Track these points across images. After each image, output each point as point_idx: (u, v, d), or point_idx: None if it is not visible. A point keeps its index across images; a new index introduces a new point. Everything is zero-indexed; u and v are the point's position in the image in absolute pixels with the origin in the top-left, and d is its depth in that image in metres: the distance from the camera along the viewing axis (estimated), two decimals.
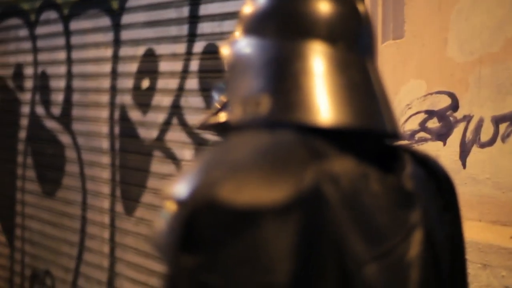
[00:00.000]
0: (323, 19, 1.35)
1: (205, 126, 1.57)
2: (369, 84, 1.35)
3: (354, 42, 1.38)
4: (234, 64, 1.43)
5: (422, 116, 2.86)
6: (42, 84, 5.90)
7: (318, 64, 1.32)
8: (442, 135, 2.79)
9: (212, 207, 1.10)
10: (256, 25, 1.40)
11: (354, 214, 1.19)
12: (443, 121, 2.79)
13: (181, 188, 1.16)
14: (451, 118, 2.76)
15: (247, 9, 1.45)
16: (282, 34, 1.35)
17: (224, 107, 1.46)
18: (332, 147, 1.23)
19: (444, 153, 2.74)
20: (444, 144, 2.78)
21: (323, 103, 1.27)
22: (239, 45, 1.43)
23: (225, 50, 1.48)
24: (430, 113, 2.83)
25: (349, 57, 1.35)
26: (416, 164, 1.45)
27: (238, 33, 1.46)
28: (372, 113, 1.33)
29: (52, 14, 5.71)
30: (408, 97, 2.88)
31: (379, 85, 1.38)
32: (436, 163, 1.52)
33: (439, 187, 1.47)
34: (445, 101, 2.77)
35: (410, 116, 2.88)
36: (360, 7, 1.42)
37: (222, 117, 1.43)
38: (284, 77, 1.32)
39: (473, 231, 2.51)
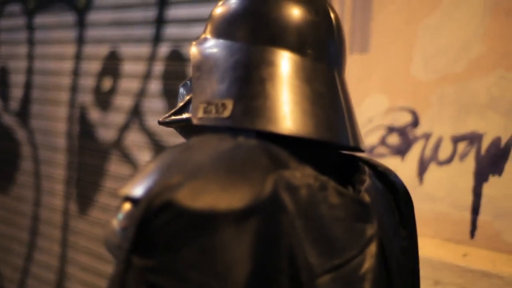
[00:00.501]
0: (293, 27, 1.35)
1: (167, 122, 1.55)
2: (335, 96, 1.35)
3: (323, 52, 1.37)
4: (201, 64, 1.42)
5: (382, 130, 2.86)
6: (2, 79, 5.84)
7: (284, 72, 1.31)
8: (401, 151, 2.81)
9: (169, 209, 1.07)
10: (226, 27, 1.40)
11: (310, 225, 1.18)
12: (403, 137, 2.80)
13: (137, 187, 1.15)
14: (411, 135, 2.77)
15: (218, 10, 1.44)
16: (252, 39, 1.35)
17: (187, 105, 1.47)
18: (292, 157, 1.22)
19: (402, 169, 2.75)
20: (403, 160, 2.79)
21: (286, 112, 1.27)
22: (207, 45, 1.42)
23: (193, 49, 1.46)
24: (391, 128, 2.84)
25: (317, 67, 1.35)
26: (375, 177, 1.45)
27: (207, 34, 1.45)
28: (335, 126, 1.33)
29: (16, 8, 5.67)
30: (370, 110, 2.89)
31: (345, 98, 1.38)
32: (395, 177, 1.53)
33: (397, 201, 1.48)
34: (406, 117, 2.78)
35: (371, 130, 2.89)
36: (333, 16, 1.42)
37: (185, 115, 1.44)
38: (249, 82, 1.31)
39: (427, 247, 2.52)
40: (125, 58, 4.55)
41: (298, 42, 1.34)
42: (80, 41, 4.96)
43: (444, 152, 2.67)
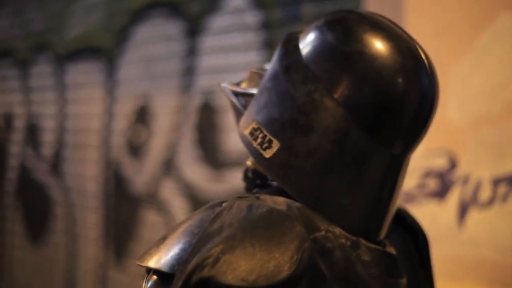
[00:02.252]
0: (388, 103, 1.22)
1: (233, 91, 1.53)
2: (391, 190, 1.27)
3: (410, 145, 1.28)
4: (278, 75, 1.30)
5: (418, 174, 2.84)
6: (33, 128, 5.88)
7: (345, 150, 1.22)
8: (438, 194, 2.78)
9: (210, 283, 1.08)
10: (321, 73, 1.24)
11: (349, 286, 1.17)
12: (440, 180, 2.78)
13: (165, 259, 1.17)
14: (448, 178, 2.75)
15: (327, 49, 1.26)
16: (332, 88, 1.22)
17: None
18: (323, 217, 1.20)
19: (440, 213, 2.72)
20: (440, 204, 2.77)
21: (326, 190, 1.22)
22: (295, 65, 1.28)
23: (285, 49, 1.33)
24: (427, 172, 2.82)
25: (399, 159, 1.26)
26: (394, 222, 1.43)
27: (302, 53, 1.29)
28: (372, 226, 1.26)
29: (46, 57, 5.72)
30: None
31: (399, 186, 1.30)
32: (413, 219, 1.53)
33: (416, 243, 1.48)
34: (443, 160, 2.76)
35: (407, 174, 2.86)
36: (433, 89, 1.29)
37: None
38: (303, 136, 1.23)
39: None
40: (157, 110, 4.57)
41: (375, 121, 1.22)
42: (111, 92, 4.99)
43: (484, 194, 2.64)
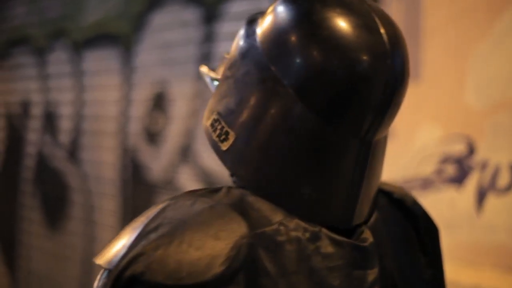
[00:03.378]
0: (331, 81, 1.16)
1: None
2: (360, 176, 1.22)
3: (375, 128, 1.21)
4: (236, 63, 1.26)
5: (436, 159, 2.83)
6: (50, 115, 5.90)
7: (307, 140, 1.17)
8: (456, 180, 2.76)
9: (137, 284, 1.08)
10: (265, 39, 1.21)
11: (300, 280, 1.15)
12: (458, 166, 2.76)
13: (108, 256, 1.17)
14: (466, 163, 2.73)
15: (278, 35, 1.20)
16: (284, 69, 1.17)
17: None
18: (279, 209, 1.17)
19: (458, 199, 2.71)
20: (459, 190, 2.75)
21: (280, 178, 1.19)
22: (252, 47, 1.24)
23: (242, 34, 1.29)
24: (445, 157, 2.80)
25: (365, 143, 1.20)
26: (390, 205, 1.41)
27: (257, 32, 1.25)
28: (339, 214, 1.22)
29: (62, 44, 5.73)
30: (423, 139, 2.85)
31: (373, 170, 1.25)
32: (414, 202, 1.48)
33: (417, 228, 1.44)
34: (461, 146, 2.74)
35: (424, 159, 2.85)
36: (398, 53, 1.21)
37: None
38: (256, 124, 1.20)
39: (488, 278, 2.47)
40: (174, 96, 4.56)
41: (330, 106, 1.16)
42: (128, 79, 4.99)
43: (502, 180, 2.62)
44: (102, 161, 5.27)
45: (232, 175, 1.29)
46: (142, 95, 4.84)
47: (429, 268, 1.43)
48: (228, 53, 1.37)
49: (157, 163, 4.70)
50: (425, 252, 1.43)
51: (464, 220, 2.70)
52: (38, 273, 5.99)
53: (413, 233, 1.42)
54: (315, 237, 1.17)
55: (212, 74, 1.45)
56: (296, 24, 1.17)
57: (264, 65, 1.18)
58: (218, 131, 1.24)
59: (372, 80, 1.16)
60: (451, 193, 2.75)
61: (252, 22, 1.28)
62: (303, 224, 1.17)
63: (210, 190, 1.22)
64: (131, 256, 1.09)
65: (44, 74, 5.97)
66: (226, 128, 1.22)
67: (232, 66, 1.27)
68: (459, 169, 2.75)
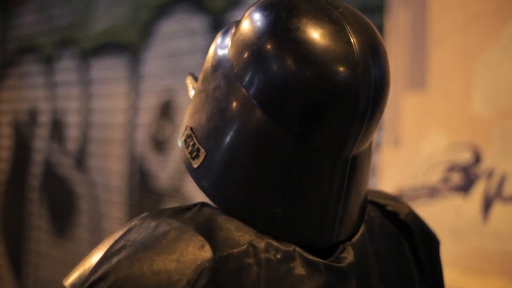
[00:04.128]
0: (301, 89, 1.09)
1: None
2: (338, 193, 1.16)
3: (351, 145, 1.14)
4: (208, 76, 1.23)
5: (442, 167, 2.82)
6: (57, 122, 5.91)
7: (283, 155, 1.11)
8: (463, 188, 2.76)
9: None
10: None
11: None
12: (465, 174, 2.75)
13: (72, 278, 1.19)
14: (472, 171, 2.73)
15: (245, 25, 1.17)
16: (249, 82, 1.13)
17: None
18: (249, 229, 1.12)
19: (464, 207, 2.70)
20: (465, 198, 2.74)
21: (254, 198, 1.14)
22: (223, 63, 1.19)
23: (217, 45, 1.25)
24: (451, 165, 2.80)
25: (342, 160, 1.14)
26: (381, 220, 1.34)
27: (228, 42, 1.21)
28: (316, 233, 1.16)
29: (69, 52, 5.74)
30: (429, 147, 2.85)
31: (354, 186, 1.19)
32: (410, 214, 1.39)
33: (411, 242, 1.37)
34: (467, 154, 2.74)
35: (430, 167, 2.85)
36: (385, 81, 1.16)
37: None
38: (222, 142, 1.15)
39: (494, 285, 2.47)
40: (182, 104, 4.57)
41: (299, 122, 1.10)
42: (136, 87, 5.00)
43: (509, 188, 2.62)
44: (110, 169, 5.28)
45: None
46: (149, 103, 4.85)
47: (423, 284, 1.37)
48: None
49: (164, 171, 4.70)
50: (420, 267, 1.37)
51: (471, 228, 2.70)
52: (46, 280, 6.00)
53: (407, 247, 1.36)
54: (287, 258, 1.12)
55: (191, 86, 1.42)
56: (261, 35, 1.12)
57: (233, 79, 1.14)
58: (190, 148, 1.21)
59: (343, 93, 1.08)
60: (458, 201, 2.75)
61: (226, 32, 1.24)
62: (275, 244, 1.12)
63: (181, 209, 1.17)
64: (92, 280, 1.07)
65: (52, 82, 5.98)
66: (197, 145, 1.19)
67: (204, 79, 1.24)
68: (466, 177, 2.75)
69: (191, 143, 1.21)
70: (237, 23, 1.22)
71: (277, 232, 1.13)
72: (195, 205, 1.19)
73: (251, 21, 1.15)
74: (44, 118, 6.10)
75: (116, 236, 1.16)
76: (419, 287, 1.36)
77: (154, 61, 4.82)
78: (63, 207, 5.80)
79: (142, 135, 4.92)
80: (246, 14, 1.19)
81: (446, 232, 2.73)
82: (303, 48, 1.08)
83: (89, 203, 5.48)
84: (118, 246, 1.11)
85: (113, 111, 5.25)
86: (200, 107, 1.21)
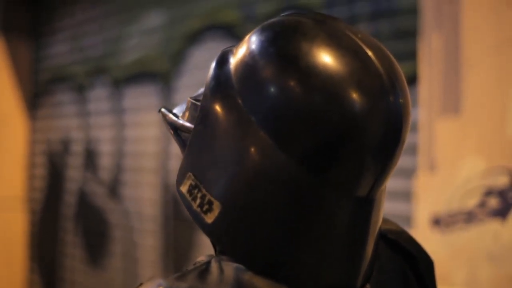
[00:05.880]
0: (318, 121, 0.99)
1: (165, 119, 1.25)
2: (363, 235, 1.07)
3: (376, 183, 1.05)
4: (209, 112, 1.07)
5: (479, 192, 2.80)
6: (91, 151, 5.95)
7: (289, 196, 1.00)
8: (500, 213, 2.73)
9: None
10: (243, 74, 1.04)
11: None
12: (502, 198, 2.73)
13: None
14: (510, 195, 2.70)
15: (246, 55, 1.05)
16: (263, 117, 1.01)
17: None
18: (281, 285, 1.01)
19: (502, 233, 2.68)
20: (503, 223, 2.72)
21: (276, 253, 1.02)
22: (232, 107, 1.04)
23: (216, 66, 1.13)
24: (488, 190, 2.77)
25: (366, 200, 1.05)
26: (385, 249, 1.26)
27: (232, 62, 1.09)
28: (345, 279, 1.07)
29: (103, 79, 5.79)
30: (465, 172, 2.83)
31: (374, 226, 1.09)
32: (410, 241, 1.31)
33: (414, 267, 1.29)
34: (504, 178, 2.72)
35: (467, 193, 2.83)
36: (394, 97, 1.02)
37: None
38: (241, 190, 1.02)
39: None
40: None
41: (315, 158, 0.99)
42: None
43: None
44: (143, 198, 5.30)
45: (218, 247, 1.12)
46: None
47: None
48: (193, 96, 1.20)
49: None
50: None
51: (509, 253, 2.67)
52: None
53: (410, 274, 1.29)
54: None
55: (178, 121, 1.19)
56: (268, 56, 1.01)
57: (245, 119, 1.01)
58: (198, 200, 1.05)
59: (367, 124, 0.99)
60: (495, 226, 2.72)
61: (222, 62, 1.12)
62: None
63: (199, 271, 1.03)
64: None
65: (85, 111, 6.02)
66: (208, 197, 1.04)
67: (205, 117, 1.08)
68: (503, 201, 2.73)
69: (198, 195, 1.05)
70: (236, 48, 1.11)
71: (308, 284, 1.03)
72: (208, 262, 1.05)
73: (256, 41, 1.05)
74: (77, 147, 6.14)
75: None
76: None
77: (186, 89, 4.84)
78: (97, 236, 5.82)
79: (175, 164, 4.93)
80: (250, 34, 1.09)
81: (483, 257, 2.70)
82: (319, 69, 0.97)
83: (123, 232, 5.50)
84: None
85: (146, 140, 5.27)
86: (204, 150, 1.06)
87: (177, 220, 4.92)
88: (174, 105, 4.71)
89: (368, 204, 1.05)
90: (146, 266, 5.22)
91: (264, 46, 1.03)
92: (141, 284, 1.07)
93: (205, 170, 1.05)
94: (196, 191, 1.05)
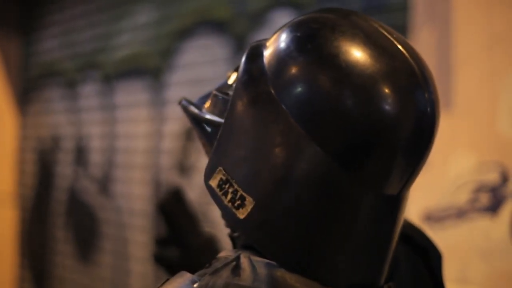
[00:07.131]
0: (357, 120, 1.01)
1: (187, 111, 1.27)
2: (389, 234, 1.09)
3: (407, 182, 1.07)
4: (238, 99, 1.08)
5: (470, 188, 2.81)
6: (81, 146, 5.93)
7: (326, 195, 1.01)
8: (491, 209, 2.74)
9: None
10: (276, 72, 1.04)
11: None
12: (492, 195, 2.74)
13: None
14: (500, 192, 2.71)
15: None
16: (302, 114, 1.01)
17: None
18: (313, 282, 1.02)
19: (492, 228, 2.68)
20: (493, 218, 2.73)
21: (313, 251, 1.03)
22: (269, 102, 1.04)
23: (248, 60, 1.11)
24: (479, 186, 2.78)
25: (396, 199, 1.07)
26: (400, 245, 1.27)
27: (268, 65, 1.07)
28: (371, 277, 1.09)
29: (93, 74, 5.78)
30: (456, 168, 2.83)
31: (398, 225, 1.11)
32: (422, 235, 1.36)
33: (427, 261, 1.33)
34: (495, 174, 2.73)
35: (457, 188, 2.83)
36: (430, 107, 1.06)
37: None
38: (277, 186, 1.02)
39: None
40: None
41: (348, 155, 1.00)
42: (160, 112, 5.02)
43: None
44: (134, 194, 5.29)
45: (248, 242, 1.11)
46: (174, 128, 4.86)
47: None
48: (218, 89, 1.22)
49: (189, 195, 4.70)
50: (437, 284, 1.32)
51: (499, 250, 2.68)
52: None
53: (422, 268, 1.32)
54: None
55: (202, 115, 1.22)
56: (307, 52, 1.02)
57: (283, 116, 1.01)
58: (230, 195, 1.05)
59: (402, 123, 1.01)
60: (486, 222, 2.73)
61: (254, 57, 1.10)
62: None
63: (232, 267, 1.03)
64: None
65: (75, 107, 6.01)
66: (240, 192, 1.04)
67: (238, 112, 1.08)
68: (493, 197, 2.73)
69: (230, 190, 1.05)
70: (268, 43, 1.11)
71: (338, 281, 1.04)
72: (237, 258, 1.04)
73: (298, 48, 1.04)
74: (68, 143, 6.13)
75: None
76: None
77: (177, 86, 4.83)
78: (87, 232, 5.81)
79: (167, 160, 4.93)
80: (282, 30, 1.10)
81: (474, 253, 2.71)
82: (353, 63, 1.00)
83: (114, 228, 5.49)
84: None
85: (137, 136, 5.26)
86: (237, 145, 1.06)
87: None
88: (166, 101, 4.71)
89: (397, 202, 1.07)
90: (137, 263, 5.22)
91: (302, 42, 1.04)
92: (167, 280, 1.06)
93: (236, 165, 1.05)
94: (227, 185, 1.06)
